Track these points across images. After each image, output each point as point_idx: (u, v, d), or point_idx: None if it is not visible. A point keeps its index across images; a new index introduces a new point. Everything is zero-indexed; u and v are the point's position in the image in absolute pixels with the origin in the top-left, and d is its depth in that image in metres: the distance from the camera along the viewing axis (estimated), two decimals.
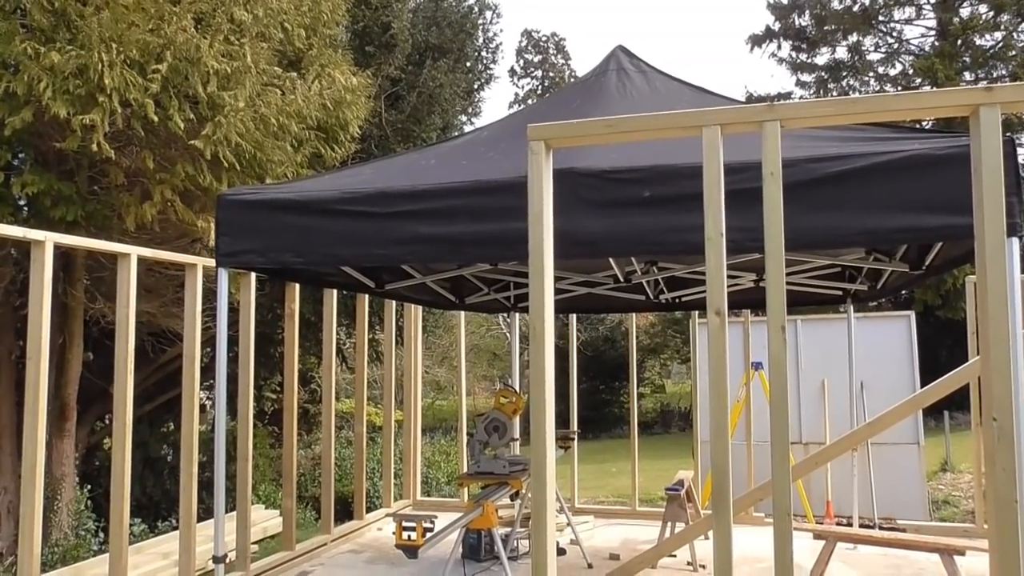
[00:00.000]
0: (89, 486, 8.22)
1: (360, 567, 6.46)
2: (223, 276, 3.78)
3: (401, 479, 8.80)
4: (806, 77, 23.44)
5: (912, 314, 8.90)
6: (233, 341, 5.21)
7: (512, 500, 5.99)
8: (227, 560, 3.36)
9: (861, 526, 7.09)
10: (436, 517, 3.99)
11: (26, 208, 7.62)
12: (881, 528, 7.26)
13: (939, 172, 2.99)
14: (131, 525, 8.01)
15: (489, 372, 26.14)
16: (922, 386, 7.67)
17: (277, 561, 6.34)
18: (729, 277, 6.81)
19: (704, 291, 6.73)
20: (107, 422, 9.94)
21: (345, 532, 7.33)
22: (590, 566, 6.14)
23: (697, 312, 8.37)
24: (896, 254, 5.08)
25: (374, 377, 13.67)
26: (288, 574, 6.28)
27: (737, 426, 9.10)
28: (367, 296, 7.70)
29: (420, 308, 8.78)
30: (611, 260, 5.15)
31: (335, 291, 7.11)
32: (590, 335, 21.12)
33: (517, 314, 8.36)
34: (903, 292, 15.86)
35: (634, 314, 8.56)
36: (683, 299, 7.14)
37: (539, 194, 2.51)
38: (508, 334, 24.22)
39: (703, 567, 6.11)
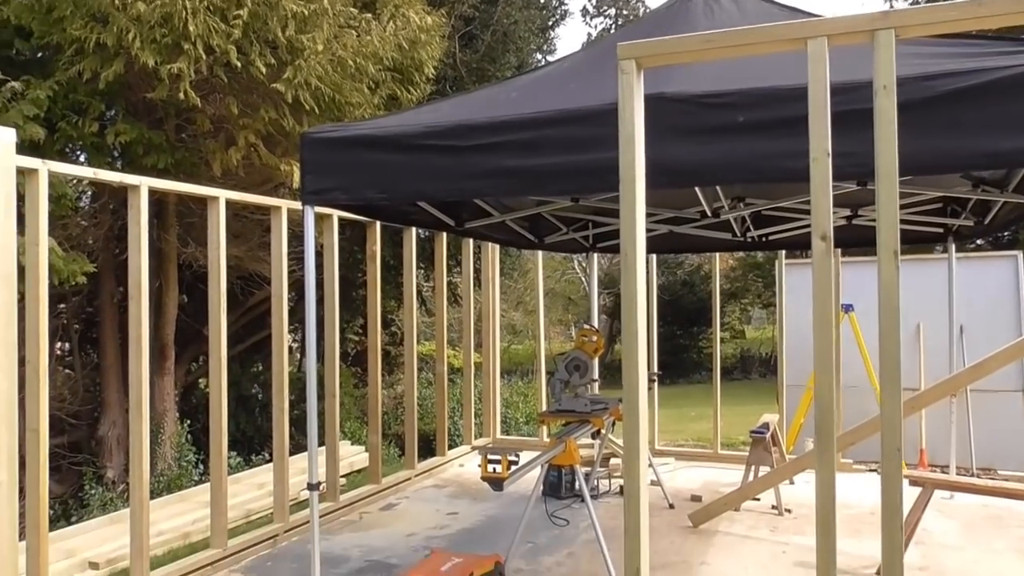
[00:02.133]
0: (188, 421, 8.64)
1: (443, 501, 6.62)
2: (309, 214, 3.82)
3: (481, 418, 8.93)
4: None
5: (1019, 254, 8.36)
6: (317, 283, 5.33)
7: (593, 439, 5.98)
8: (320, 489, 3.46)
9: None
10: (520, 452, 4.02)
11: (120, 157, 7.90)
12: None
13: None
14: (228, 457, 8.39)
15: (564, 317, 26.11)
16: None
17: (365, 493, 6.56)
18: None
19: (793, 228, 6.50)
20: (201, 363, 10.39)
21: (428, 468, 7.51)
22: (671, 506, 6.12)
23: (784, 252, 8.10)
24: (1009, 184, 4.74)
25: (451, 321, 13.81)
26: (375, 506, 6.49)
27: None
28: (445, 239, 7.74)
29: (497, 251, 8.77)
30: (699, 194, 4.98)
31: (414, 233, 7.16)
32: (667, 279, 20.79)
33: (595, 255, 8.25)
34: (1006, 232, 14.94)
35: (717, 255, 8.35)
36: (770, 237, 6.88)
37: (630, 116, 2.40)
38: (584, 278, 24.11)
39: (788, 511, 6.01)
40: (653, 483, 6.49)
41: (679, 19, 4.49)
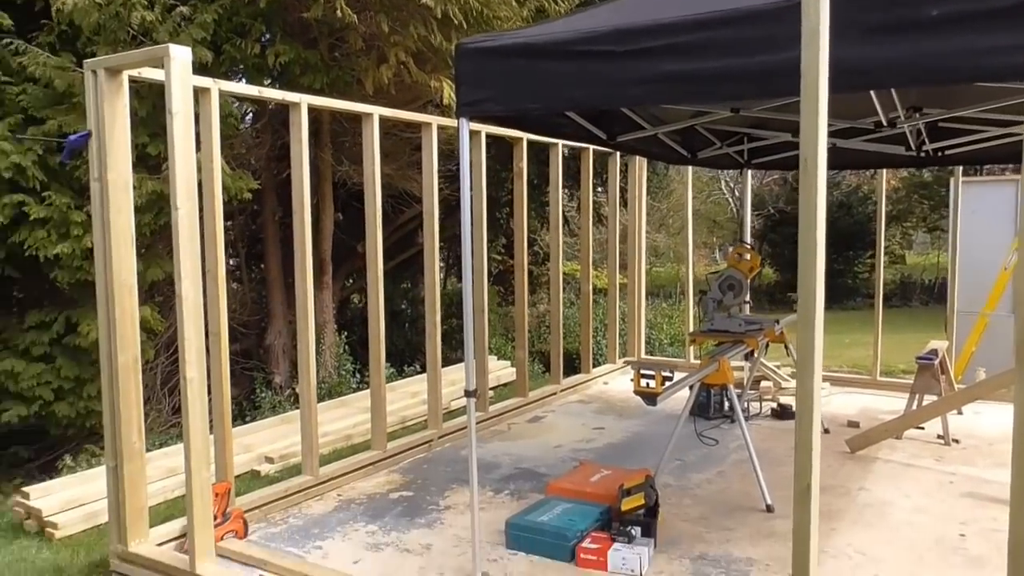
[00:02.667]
0: (345, 333, 9.14)
1: (589, 416, 6.70)
2: (464, 127, 3.79)
3: (625, 338, 8.90)
4: None
5: None
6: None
7: (746, 360, 5.81)
8: (476, 395, 3.58)
9: None
10: (672, 369, 3.97)
11: (278, 78, 8.21)
12: None
13: None
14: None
15: (708, 240, 25.34)
16: None
17: (512, 406, 6.75)
18: (1000, 125, 5.82)
19: (974, 141, 5.88)
20: (355, 279, 10.91)
21: (572, 384, 7.61)
22: (827, 431, 5.90)
23: (960, 168, 7.41)
24: None
25: (594, 241, 13.71)
26: (522, 417, 6.67)
27: (1002, 297, 8.13)
28: (591, 156, 7.60)
29: (645, 168, 8.54)
30: (875, 101, 4.57)
31: (560, 150, 7.07)
32: None
33: (749, 172, 7.86)
34: None
35: (884, 172, 7.75)
36: (947, 152, 6.27)
37: (815, 9, 2.20)
38: (731, 200, 23.18)
39: (956, 442, 5.65)
40: None
41: None
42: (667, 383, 3.74)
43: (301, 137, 4.86)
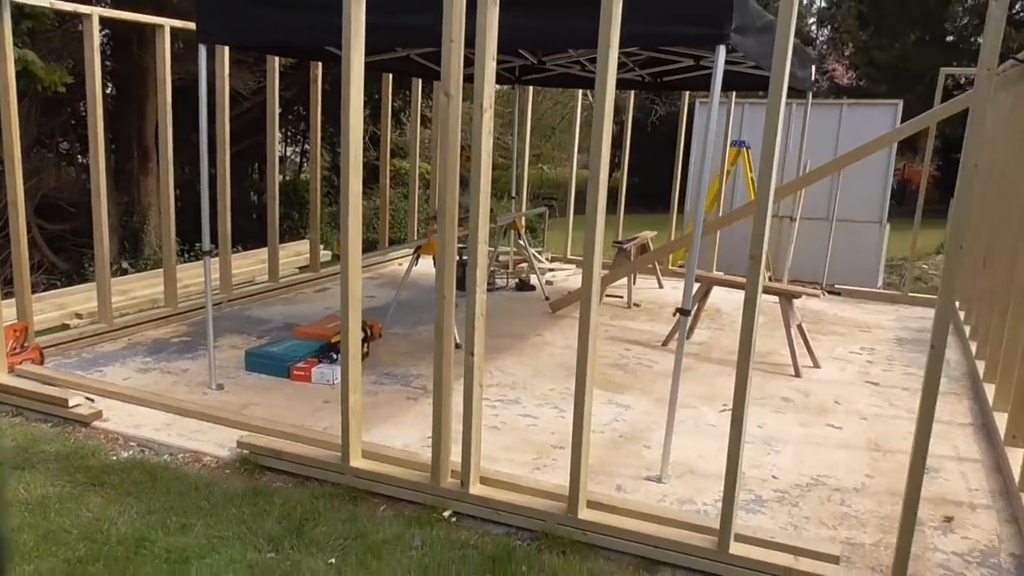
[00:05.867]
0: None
1: (370, 288, 7.97)
2: (203, 50, 4.79)
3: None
4: None
5: (900, 103, 9.02)
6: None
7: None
8: (214, 253, 4.82)
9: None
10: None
11: None
12: (828, 292, 8.22)
13: None
14: None
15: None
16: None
17: (304, 279, 8.02)
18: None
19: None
20: (187, 169, 11.67)
21: (367, 263, 8.76)
22: (547, 299, 7.50)
23: None
24: None
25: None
26: (311, 288, 7.95)
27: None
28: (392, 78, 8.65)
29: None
30: None
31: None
32: None
33: (525, 87, 9.10)
34: None
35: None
36: None
37: None
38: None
39: (637, 306, 7.35)
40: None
41: None
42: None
43: (93, 45, 5.70)
